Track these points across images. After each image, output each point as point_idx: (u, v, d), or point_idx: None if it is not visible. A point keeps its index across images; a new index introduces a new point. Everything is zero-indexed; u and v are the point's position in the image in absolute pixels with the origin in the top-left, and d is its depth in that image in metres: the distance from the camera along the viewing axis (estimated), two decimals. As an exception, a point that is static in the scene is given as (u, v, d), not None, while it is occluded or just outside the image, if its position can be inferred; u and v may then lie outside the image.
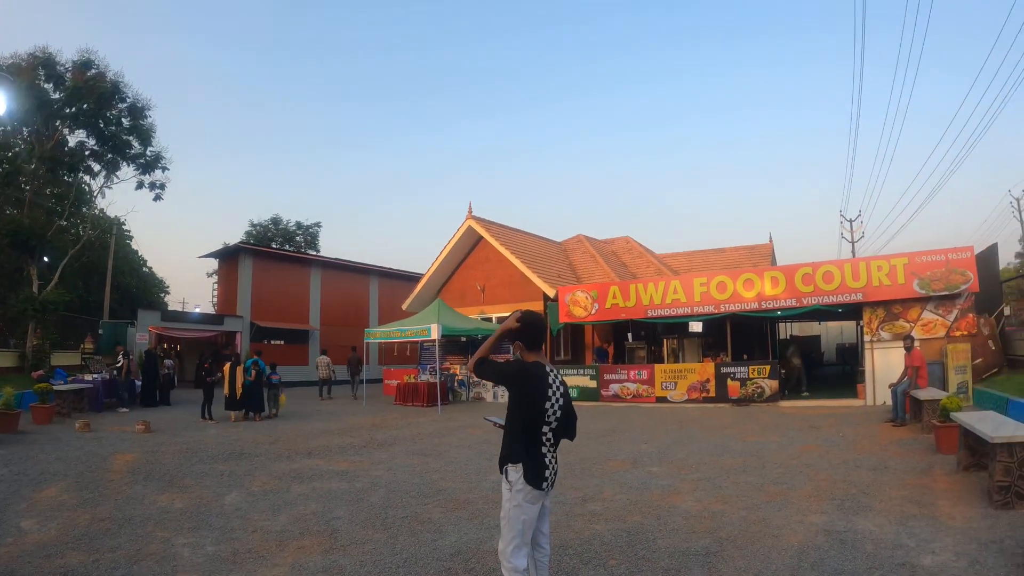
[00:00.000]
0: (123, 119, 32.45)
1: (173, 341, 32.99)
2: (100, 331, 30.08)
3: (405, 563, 5.91)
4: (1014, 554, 5.59)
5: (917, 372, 13.72)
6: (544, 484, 4.23)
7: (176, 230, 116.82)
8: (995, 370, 17.26)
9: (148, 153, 33.53)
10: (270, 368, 19.19)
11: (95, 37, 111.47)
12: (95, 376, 21.33)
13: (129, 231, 44.53)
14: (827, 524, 6.74)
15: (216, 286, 42.08)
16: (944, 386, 16.23)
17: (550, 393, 4.27)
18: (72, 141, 32.10)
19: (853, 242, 44.18)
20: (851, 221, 44.61)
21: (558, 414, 4.32)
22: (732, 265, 29.23)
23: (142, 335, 29.32)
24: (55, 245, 30.39)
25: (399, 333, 21.87)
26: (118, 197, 67.42)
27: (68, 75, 30.03)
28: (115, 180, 33.98)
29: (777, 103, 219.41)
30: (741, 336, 22.05)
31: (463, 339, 24.74)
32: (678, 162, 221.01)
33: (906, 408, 13.73)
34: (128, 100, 32.09)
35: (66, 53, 30.53)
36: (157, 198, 34.64)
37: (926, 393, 12.87)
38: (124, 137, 32.49)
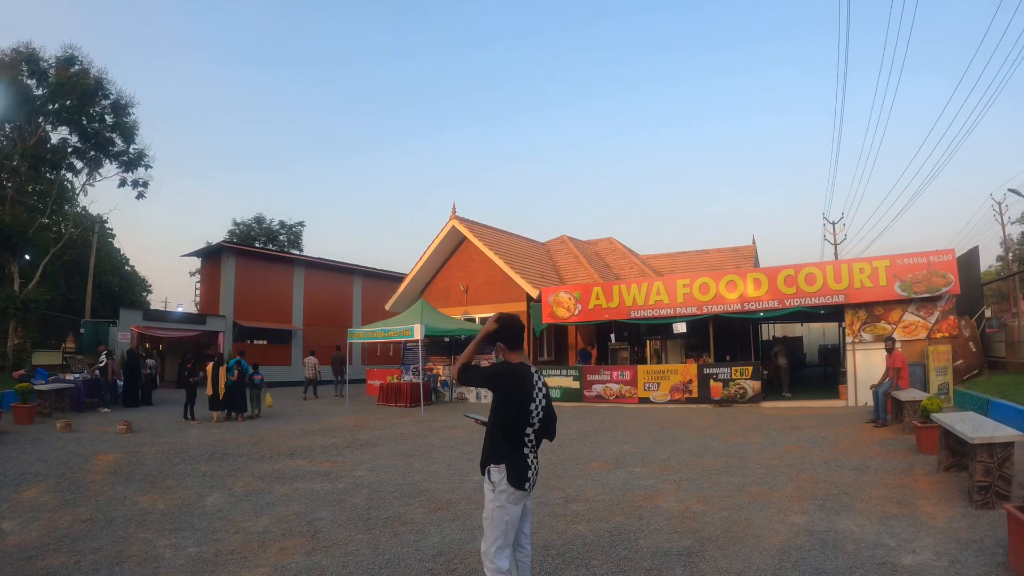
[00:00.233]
0: (106, 116, 32.28)
1: (155, 341, 32.70)
2: (82, 330, 29.83)
3: (387, 564, 5.89)
4: (994, 553, 5.63)
5: (898, 373, 13.79)
6: (526, 485, 4.25)
7: (158, 228, 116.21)
8: (976, 371, 17.40)
9: (131, 150, 33.38)
10: (253, 368, 19.11)
11: (77, 32, 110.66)
12: (76, 376, 21.16)
13: (111, 229, 44.22)
14: (808, 524, 6.77)
15: (199, 285, 41.81)
16: (925, 387, 16.35)
17: (534, 395, 4.28)
18: (55, 138, 31.97)
19: (836, 244, 44.49)
20: (834, 223, 44.91)
21: (541, 415, 4.33)
22: (715, 266, 29.36)
23: (124, 334, 29.07)
24: (37, 243, 30.20)
25: (382, 333, 21.80)
26: (100, 195, 67.38)
27: (51, 71, 29.86)
28: (98, 177, 33.84)
29: (760, 107, 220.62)
30: (724, 337, 22.13)
31: (446, 340, 24.70)
32: (662, 164, 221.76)
33: (887, 409, 13.81)
34: (112, 97, 31.94)
35: (50, 49, 30.42)
36: (140, 196, 34.49)
37: (907, 394, 12.93)
38: (107, 134, 32.36)
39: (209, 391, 17.87)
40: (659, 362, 23.45)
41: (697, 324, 21.09)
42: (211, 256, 36.37)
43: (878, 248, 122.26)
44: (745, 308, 19.63)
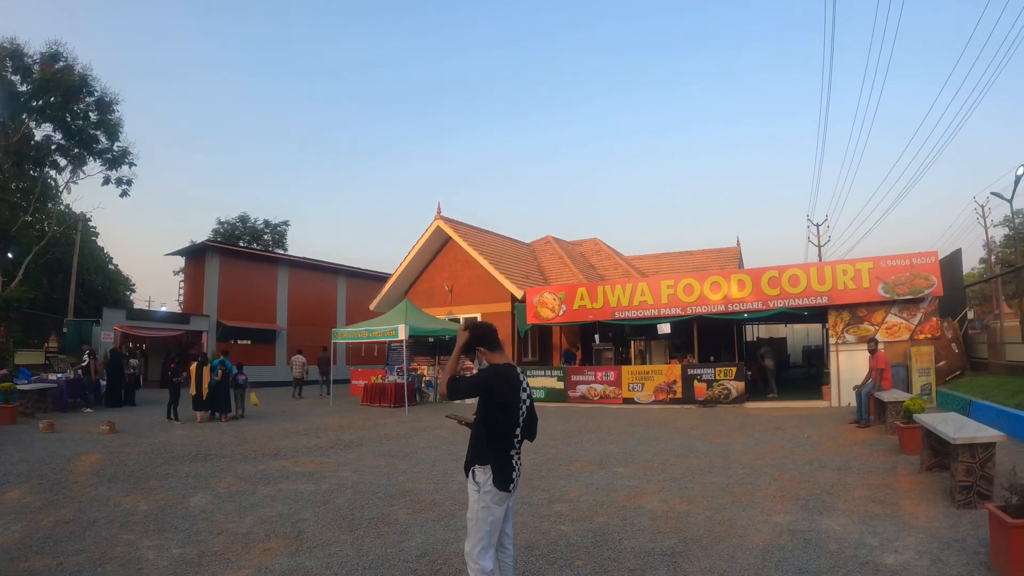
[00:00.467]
0: (90, 113, 32.10)
1: (138, 340, 32.51)
2: (65, 329, 29.60)
3: (371, 565, 5.86)
4: (976, 552, 5.65)
5: (881, 374, 13.87)
6: (511, 486, 4.26)
7: (142, 227, 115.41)
8: (958, 372, 17.53)
9: (115, 148, 33.21)
10: (237, 368, 19.01)
11: (60, 27, 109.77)
12: (59, 375, 21.04)
13: (95, 227, 43.82)
14: (791, 524, 6.78)
15: (182, 284, 41.56)
16: (908, 388, 16.45)
17: (521, 394, 4.30)
18: (38, 135, 31.77)
19: (820, 246, 44.71)
20: (818, 225, 45.16)
21: (525, 416, 4.36)
22: (700, 268, 29.46)
23: (107, 334, 28.89)
24: (20, 241, 29.98)
25: (366, 333, 21.72)
26: (84, 193, 66.88)
27: (36, 67, 29.64)
28: (81, 175, 33.66)
29: (745, 110, 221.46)
30: (708, 338, 22.19)
31: (431, 340, 24.67)
32: (648, 165, 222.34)
33: (870, 409, 13.88)
34: (96, 94, 31.77)
35: (34, 45, 30.19)
36: (124, 194, 34.34)
37: (890, 395, 12.99)
38: (91, 131, 32.16)
39: (192, 391, 17.75)
40: (643, 363, 23.48)
41: (681, 325, 21.12)
42: (195, 255, 36.18)
43: (862, 250, 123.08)
44: (729, 309, 19.68)
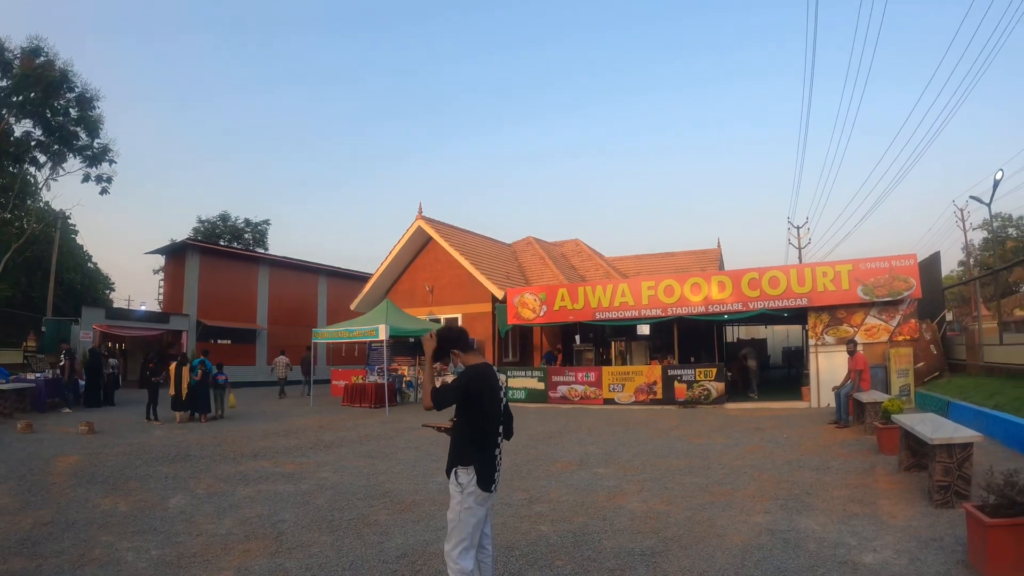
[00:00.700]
0: (71, 109, 31.88)
1: (118, 340, 32.26)
2: (43, 328, 29.36)
3: (351, 566, 5.84)
4: (953, 551, 5.68)
5: (860, 375, 13.95)
6: (493, 487, 4.28)
7: (122, 225, 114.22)
8: (936, 374, 17.67)
9: (95, 145, 32.95)
10: (217, 368, 18.87)
11: (39, 20, 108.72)
12: (38, 375, 20.84)
13: (74, 225, 43.51)
14: (771, 524, 6.79)
15: (162, 283, 41.28)
16: (887, 389, 16.57)
17: (500, 393, 4.31)
18: (18, 131, 31.49)
19: (800, 248, 44.97)
20: (798, 228, 45.41)
21: (503, 413, 4.36)
22: (681, 269, 29.52)
23: (86, 333, 28.61)
24: (-2, 238, 29.69)
25: (347, 333, 21.63)
26: (64, 190, 66.23)
27: (16, 62, 29.35)
28: (61, 172, 33.41)
29: (727, 113, 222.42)
30: (688, 339, 22.25)
31: (411, 340, 24.59)
32: (629, 167, 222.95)
33: (849, 410, 13.96)
34: (77, 90, 31.51)
35: (15, 39, 29.91)
36: (103, 192, 34.10)
37: (869, 396, 13.08)
38: (71, 128, 31.90)
39: (172, 391, 17.62)
40: (624, 364, 23.50)
41: (662, 326, 21.18)
42: (175, 254, 35.89)
43: (841, 253, 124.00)
44: (709, 310, 19.74)
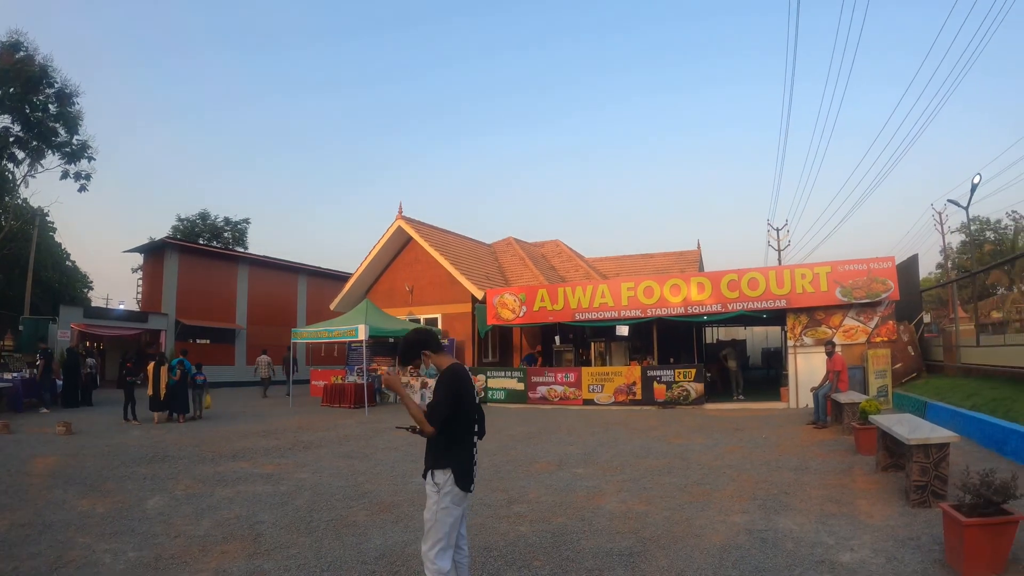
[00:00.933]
0: (50, 105, 31.62)
1: (96, 339, 31.97)
2: (20, 327, 29.04)
3: (330, 567, 5.81)
4: (930, 550, 5.70)
5: (838, 376, 14.03)
6: (471, 486, 4.27)
7: (100, 223, 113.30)
8: (914, 375, 17.79)
9: (74, 141, 32.72)
10: (196, 368, 18.72)
11: (17, 14, 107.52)
12: (15, 375, 20.66)
13: (52, 222, 43.09)
14: (749, 523, 6.80)
15: (141, 282, 40.95)
16: (865, 390, 16.67)
17: (474, 392, 4.31)
18: (-3, 126, 31.15)
19: (779, 250, 45.22)
20: (778, 230, 45.64)
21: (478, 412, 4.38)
22: (660, 270, 29.64)
23: (64, 332, 28.33)
24: (-26, 235, 29.36)
25: (326, 333, 21.54)
26: (41, 187, 65.49)
27: (-4, 57, 29.08)
28: (39, 168, 33.10)
29: (707, 116, 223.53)
30: (667, 340, 22.33)
31: (391, 340, 24.52)
32: (611, 169, 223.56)
33: (827, 411, 14.04)
34: (56, 85, 31.27)
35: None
36: (82, 189, 33.88)
37: (846, 396, 13.16)
38: (50, 124, 31.62)
39: (150, 391, 17.47)
40: (603, 364, 23.54)
41: (641, 327, 21.21)
42: (154, 252, 35.58)
43: (821, 255, 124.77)
44: (689, 311, 19.79)
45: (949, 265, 48.55)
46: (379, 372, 24.38)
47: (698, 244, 34.17)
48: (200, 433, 15.26)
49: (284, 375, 27.89)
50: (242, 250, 49.93)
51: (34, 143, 31.71)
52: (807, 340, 18.54)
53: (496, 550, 6.16)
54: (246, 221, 57.01)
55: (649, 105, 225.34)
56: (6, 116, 30.95)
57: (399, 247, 27.39)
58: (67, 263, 45.85)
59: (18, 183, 35.10)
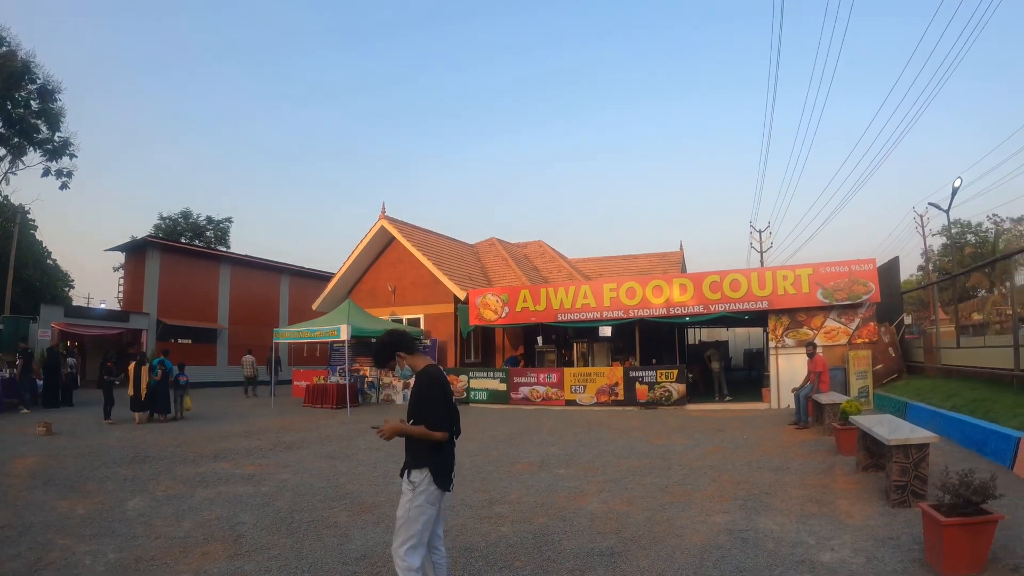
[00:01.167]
0: (32, 101, 31.34)
1: (77, 338, 31.70)
2: (0, 326, 28.78)
3: (311, 568, 5.78)
4: (910, 550, 5.72)
5: (819, 377, 14.10)
6: (450, 486, 4.29)
7: (82, 221, 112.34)
8: (895, 376, 17.90)
9: (56, 138, 32.48)
10: (177, 368, 18.59)
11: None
12: (-5, 375, 20.47)
13: (34, 220, 42.68)
14: (730, 523, 6.80)
15: (122, 281, 40.70)
16: (846, 391, 16.77)
17: (451, 391, 4.33)
18: (-23, 123, 30.87)
19: (762, 252, 45.47)
20: (760, 232, 45.91)
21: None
22: (643, 271, 29.68)
23: (45, 331, 28.12)
24: (-46, 233, 29.09)
25: (308, 333, 21.45)
26: (22, 184, 64.85)
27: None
28: (20, 166, 32.81)
29: (691, 119, 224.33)
30: (650, 341, 22.37)
31: (373, 340, 24.43)
32: (594, 170, 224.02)
33: (808, 411, 14.08)
34: (38, 81, 30.99)
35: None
36: (64, 186, 33.63)
37: (827, 397, 13.21)
38: (32, 120, 31.37)
39: (131, 391, 17.35)
40: (586, 365, 23.55)
41: (624, 328, 21.24)
42: (135, 251, 35.38)
43: (803, 257, 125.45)
44: (671, 313, 19.83)
45: (930, 267, 48.91)
46: (362, 372, 24.34)
47: (680, 245, 34.26)
48: (181, 434, 15.16)
49: (268, 375, 27.82)
50: (224, 249, 49.72)
51: (15, 140, 31.46)
52: (789, 341, 18.62)
53: (477, 551, 6.14)
54: (228, 220, 56.80)
55: (632, 109, 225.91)
56: (-13, 112, 30.73)
57: (382, 247, 27.28)
58: (48, 261, 45.41)
59: (-1, 180, 34.84)
